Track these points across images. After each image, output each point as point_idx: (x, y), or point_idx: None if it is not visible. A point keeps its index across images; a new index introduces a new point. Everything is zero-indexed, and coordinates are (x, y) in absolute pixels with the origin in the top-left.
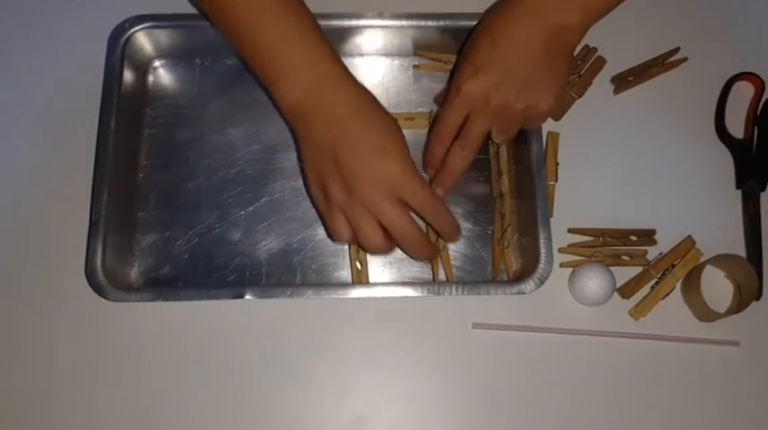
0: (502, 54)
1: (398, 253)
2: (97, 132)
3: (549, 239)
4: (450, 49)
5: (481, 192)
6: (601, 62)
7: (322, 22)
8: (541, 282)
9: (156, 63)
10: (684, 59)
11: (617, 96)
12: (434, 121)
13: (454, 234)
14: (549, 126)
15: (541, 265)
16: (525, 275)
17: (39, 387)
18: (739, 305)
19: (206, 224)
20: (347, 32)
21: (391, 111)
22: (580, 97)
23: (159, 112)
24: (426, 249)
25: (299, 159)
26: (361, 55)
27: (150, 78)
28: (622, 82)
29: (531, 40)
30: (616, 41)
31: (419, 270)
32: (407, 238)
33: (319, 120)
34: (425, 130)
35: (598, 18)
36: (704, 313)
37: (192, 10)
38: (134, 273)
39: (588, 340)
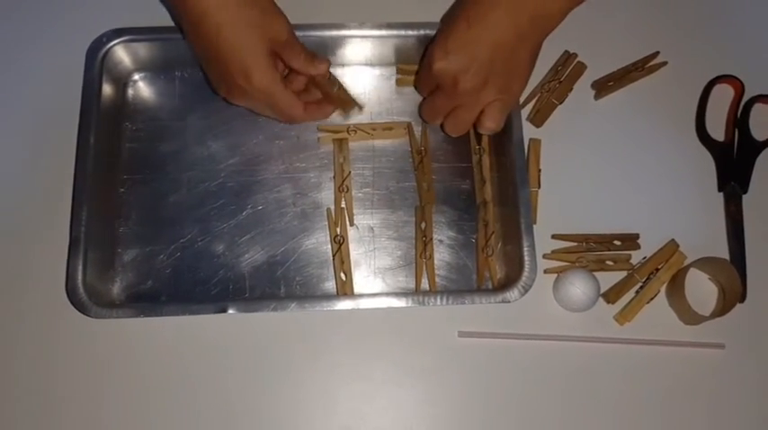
0: (475, 39)
1: (383, 263)
2: (76, 148)
3: (532, 247)
4: None
5: (464, 201)
6: (581, 67)
7: (305, 33)
8: (526, 290)
9: (136, 76)
10: (664, 63)
11: (598, 101)
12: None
13: (323, 64)
14: (530, 133)
15: (525, 273)
16: (510, 283)
17: (21, 407)
18: (724, 308)
19: (188, 238)
20: (329, 43)
21: (372, 120)
22: (561, 103)
23: (139, 126)
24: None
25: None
26: (343, 65)
27: (129, 92)
28: (603, 87)
29: (507, 28)
30: (596, 46)
31: (404, 280)
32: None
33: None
34: (403, 140)
35: (578, 4)
36: (689, 316)
37: (170, 23)
38: (116, 288)
39: (574, 346)
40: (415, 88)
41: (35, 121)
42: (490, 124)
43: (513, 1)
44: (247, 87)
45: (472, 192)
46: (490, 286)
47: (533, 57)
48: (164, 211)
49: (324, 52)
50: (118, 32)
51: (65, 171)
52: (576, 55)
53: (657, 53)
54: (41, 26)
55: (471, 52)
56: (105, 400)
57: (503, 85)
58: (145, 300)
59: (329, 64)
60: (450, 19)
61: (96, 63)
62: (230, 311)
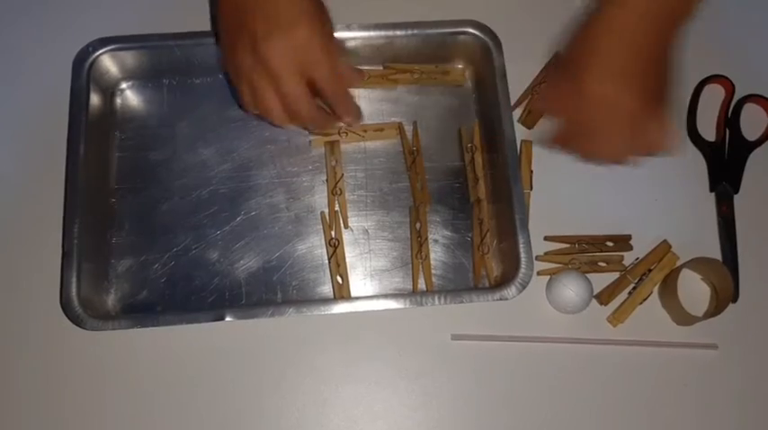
0: (633, 65)
1: (379, 265)
2: (66, 159)
3: (528, 244)
4: (420, 59)
5: (458, 199)
6: None
7: None
8: (523, 286)
9: (123, 85)
10: None
11: None
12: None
13: (353, 118)
14: (522, 134)
15: (522, 270)
16: (506, 280)
17: (19, 422)
18: (716, 308)
19: (182, 246)
20: None
21: (363, 122)
22: None
23: (129, 135)
24: (318, 123)
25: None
26: None
27: (118, 101)
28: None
29: (647, 32)
30: None
31: (401, 281)
32: (296, 113)
33: None
34: (395, 140)
35: None
36: (682, 317)
37: (156, 30)
38: (111, 300)
39: (567, 348)
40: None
41: (23, 133)
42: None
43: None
44: (278, 45)
45: (466, 190)
46: (487, 284)
47: (673, 53)
48: (156, 220)
49: None
50: (104, 41)
51: (55, 182)
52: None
53: None
54: (26, 37)
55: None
56: (103, 413)
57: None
58: (140, 311)
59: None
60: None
61: (83, 73)
62: (228, 318)
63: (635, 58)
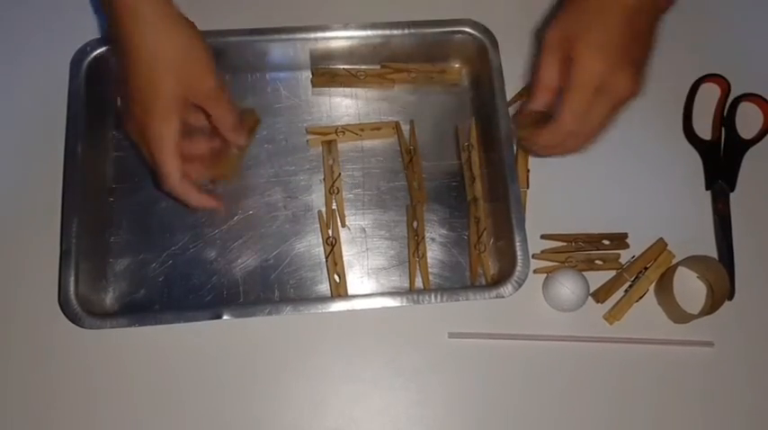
0: (633, 40)
1: (377, 263)
2: (64, 158)
3: (524, 242)
4: (417, 58)
5: (455, 198)
6: None
7: (288, 36)
8: (519, 284)
9: None
10: None
11: None
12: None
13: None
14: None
15: (519, 268)
16: (503, 278)
17: (17, 420)
18: (712, 306)
19: (180, 245)
20: (314, 45)
21: (360, 121)
22: None
23: (126, 134)
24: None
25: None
26: (329, 65)
27: (116, 101)
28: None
29: (655, 18)
30: None
31: (398, 279)
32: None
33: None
34: (392, 139)
35: None
36: (678, 315)
37: None
38: (109, 298)
39: (564, 346)
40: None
41: (21, 134)
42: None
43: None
44: (145, 119)
45: (462, 189)
46: (484, 282)
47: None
48: (154, 219)
49: (308, 55)
50: (101, 41)
51: (53, 182)
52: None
53: None
54: (24, 37)
55: (622, 49)
56: (101, 411)
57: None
58: (138, 309)
59: (250, 139)
60: (607, 23)
61: (81, 73)
62: (225, 317)
63: (639, 32)
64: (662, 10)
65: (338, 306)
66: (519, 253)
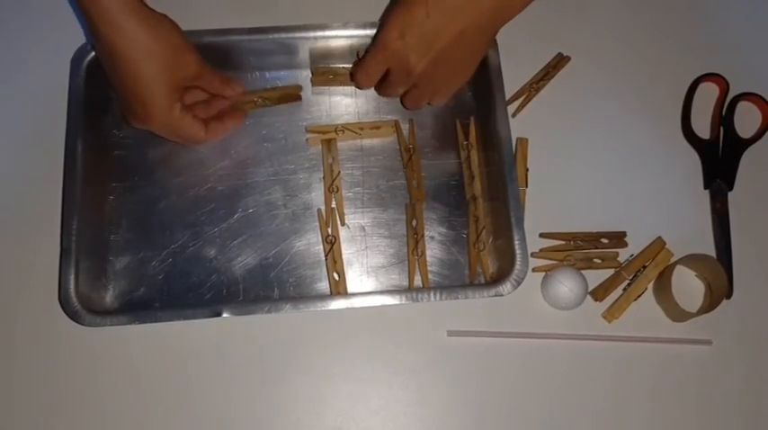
0: (433, 26)
1: (376, 261)
2: (64, 156)
3: (523, 240)
4: None
5: (454, 197)
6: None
7: (288, 35)
8: (518, 283)
9: None
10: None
11: (585, 101)
12: (357, 64)
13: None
14: (518, 132)
15: (517, 266)
16: (502, 277)
17: (17, 419)
18: (710, 304)
19: (180, 243)
20: (314, 44)
21: (359, 119)
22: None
23: (126, 133)
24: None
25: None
26: (328, 65)
27: (116, 99)
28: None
29: (466, 18)
30: (583, 48)
31: (397, 278)
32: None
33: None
34: (391, 138)
35: None
36: (676, 313)
37: None
38: (109, 296)
39: (562, 344)
40: (351, 76)
41: (21, 132)
42: (440, 103)
43: None
44: (147, 118)
45: (462, 187)
46: (483, 281)
47: (487, 46)
48: (154, 218)
49: (307, 54)
50: None
51: (53, 180)
52: (568, 58)
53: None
54: (25, 34)
55: (429, 39)
56: (101, 409)
57: (454, 72)
58: (138, 307)
59: (243, 85)
60: (403, 5)
61: (81, 71)
62: (225, 315)
63: (445, 27)
64: (497, 28)
65: (337, 304)
66: (518, 251)
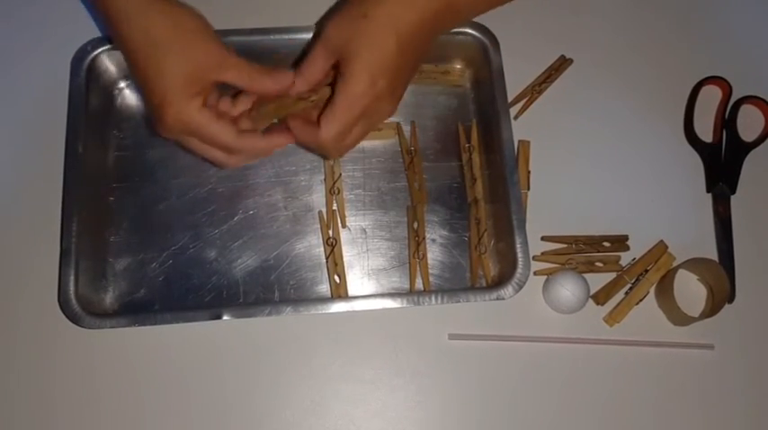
0: (404, 68)
1: (377, 264)
2: (64, 157)
3: (525, 243)
4: None
5: (456, 199)
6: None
7: (282, 37)
8: (520, 286)
9: (122, 84)
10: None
11: (587, 104)
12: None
13: (284, 81)
14: (519, 134)
15: (519, 269)
16: (503, 280)
17: (17, 421)
18: (712, 308)
19: (180, 245)
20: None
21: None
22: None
23: (127, 134)
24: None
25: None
26: None
27: (116, 100)
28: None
29: (429, 47)
30: (585, 50)
31: (398, 280)
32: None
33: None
34: (393, 140)
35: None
36: (678, 317)
37: None
38: (109, 298)
39: (563, 348)
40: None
41: (22, 133)
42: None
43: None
44: (160, 118)
45: (463, 190)
46: (484, 284)
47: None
48: (154, 219)
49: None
50: (102, 40)
51: (53, 181)
52: (571, 60)
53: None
54: (25, 35)
55: (399, 80)
56: (100, 411)
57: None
58: (138, 309)
59: (290, 78)
60: (374, 36)
61: (82, 72)
62: (225, 317)
63: (411, 60)
64: (440, 32)
65: (338, 307)
66: (519, 254)
